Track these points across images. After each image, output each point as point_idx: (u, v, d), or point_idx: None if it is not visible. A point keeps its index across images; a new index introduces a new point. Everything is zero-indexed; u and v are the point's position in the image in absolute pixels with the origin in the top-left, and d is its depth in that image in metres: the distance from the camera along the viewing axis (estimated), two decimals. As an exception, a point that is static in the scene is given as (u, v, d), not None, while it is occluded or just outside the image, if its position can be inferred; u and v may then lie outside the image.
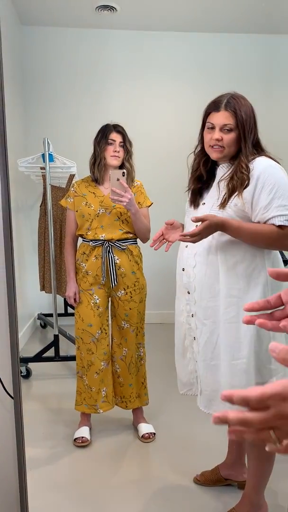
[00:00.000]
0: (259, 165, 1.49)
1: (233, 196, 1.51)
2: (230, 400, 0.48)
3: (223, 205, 1.52)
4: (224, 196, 1.53)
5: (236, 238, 1.51)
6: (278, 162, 1.55)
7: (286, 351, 0.49)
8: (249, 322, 0.65)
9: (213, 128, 1.56)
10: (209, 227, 1.46)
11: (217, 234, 1.53)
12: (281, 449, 0.49)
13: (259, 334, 1.52)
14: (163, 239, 1.71)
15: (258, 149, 1.58)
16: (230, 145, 1.55)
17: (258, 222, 1.50)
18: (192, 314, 1.62)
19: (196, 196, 1.68)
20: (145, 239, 2.29)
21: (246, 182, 1.49)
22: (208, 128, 1.58)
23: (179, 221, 1.77)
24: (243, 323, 0.68)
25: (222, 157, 1.58)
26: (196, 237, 1.48)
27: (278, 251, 1.62)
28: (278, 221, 1.46)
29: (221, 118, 1.53)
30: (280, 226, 1.47)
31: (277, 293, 0.68)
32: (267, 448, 0.50)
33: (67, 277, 2.31)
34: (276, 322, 0.66)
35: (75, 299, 2.27)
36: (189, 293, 1.62)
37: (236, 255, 1.53)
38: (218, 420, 0.49)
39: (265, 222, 1.48)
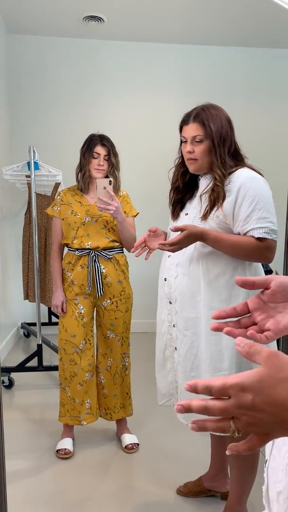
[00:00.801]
0: (240, 177, 1.50)
1: (215, 208, 1.52)
2: (194, 389, 0.50)
3: (205, 216, 1.54)
4: (206, 208, 1.54)
5: (216, 249, 1.52)
6: (261, 174, 1.56)
7: (250, 345, 0.51)
8: (217, 329, 0.67)
9: (186, 141, 1.59)
10: (189, 236, 1.47)
11: (199, 245, 1.54)
12: (240, 445, 0.51)
13: None
14: (145, 246, 1.71)
15: (239, 159, 1.58)
16: (202, 156, 1.56)
17: (239, 234, 1.52)
18: (174, 324, 1.63)
19: (176, 207, 1.69)
20: (130, 248, 2.28)
21: (222, 194, 1.50)
22: (183, 142, 1.61)
23: (163, 229, 1.77)
24: (211, 330, 0.69)
25: (198, 169, 1.59)
26: (175, 246, 1.49)
27: (259, 264, 1.63)
28: (257, 233, 1.48)
29: (191, 130, 1.56)
30: (259, 239, 1.48)
31: (243, 301, 0.71)
32: (229, 448, 0.52)
33: (54, 286, 2.29)
34: (243, 330, 0.68)
35: (62, 309, 2.25)
36: (170, 303, 1.63)
37: (217, 267, 1.54)
38: (181, 408, 0.51)
39: (245, 234, 1.50)
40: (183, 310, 1.58)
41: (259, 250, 1.50)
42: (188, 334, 1.58)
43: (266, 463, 0.68)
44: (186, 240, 1.48)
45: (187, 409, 0.50)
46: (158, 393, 1.76)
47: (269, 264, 3.52)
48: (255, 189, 1.48)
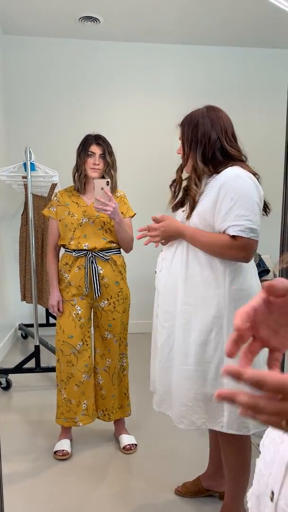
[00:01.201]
0: (226, 174, 1.51)
1: (196, 207, 1.55)
2: (238, 375, 0.41)
3: (188, 215, 1.58)
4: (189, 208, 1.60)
5: (194, 246, 1.56)
6: (255, 173, 1.56)
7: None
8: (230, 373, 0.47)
9: None
10: (166, 227, 1.59)
11: (184, 243, 1.59)
12: None
13: (206, 344, 1.55)
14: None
15: (235, 158, 1.57)
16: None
17: (219, 231, 1.53)
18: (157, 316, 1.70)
19: (179, 200, 1.73)
20: (128, 249, 2.29)
21: (193, 196, 1.55)
22: None
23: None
24: (224, 375, 0.46)
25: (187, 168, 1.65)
26: (155, 232, 1.60)
27: (247, 264, 1.59)
28: (232, 231, 1.47)
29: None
30: (234, 236, 1.48)
31: (243, 323, 0.53)
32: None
33: (50, 287, 2.28)
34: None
35: (58, 309, 2.24)
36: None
37: (196, 264, 1.56)
38: (221, 398, 0.43)
39: (224, 232, 1.50)
40: (163, 303, 1.64)
41: (232, 249, 1.49)
42: (166, 326, 1.63)
43: (273, 497, 0.58)
44: (163, 230, 1.59)
45: (229, 400, 0.42)
46: (150, 380, 1.81)
47: (266, 264, 3.52)
48: (236, 187, 1.47)
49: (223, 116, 1.59)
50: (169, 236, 1.61)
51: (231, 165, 1.53)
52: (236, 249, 1.49)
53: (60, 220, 2.22)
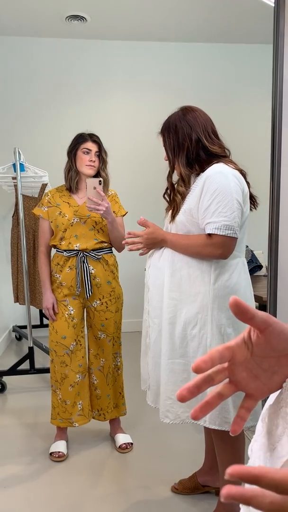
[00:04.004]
0: (210, 170, 1.51)
1: (182, 206, 1.57)
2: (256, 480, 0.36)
3: (174, 216, 1.60)
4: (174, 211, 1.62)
5: (176, 251, 1.58)
6: (241, 170, 1.56)
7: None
8: (183, 398, 0.50)
9: None
10: (150, 234, 1.61)
11: None
12: None
13: (190, 339, 1.57)
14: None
15: (218, 155, 1.57)
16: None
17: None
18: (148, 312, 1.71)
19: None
20: (120, 248, 2.28)
21: (179, 197, 1.57)
22: None
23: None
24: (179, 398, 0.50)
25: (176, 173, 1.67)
26: (139, 239, 1.62)
27: (234, 261, 1.60)
28: (208, 229, 1.49)
29: None
30: (210, 234, 1.50)
31: (225, 344, 0.53)
32: None
33: (43, 288, 2.26)
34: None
35: (54, 311, 2.21)
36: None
37: (181, 261, 1.57)
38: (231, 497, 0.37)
39: (204, 229, 1.52)
40: (152, 299, 1.66)
41: (209, 246, 1.50)
42: (157, 322, 1.65)
43: None
44: (146, 237, 1.61)
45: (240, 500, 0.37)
46: (142, 379, 1.83)
47: (258, 259, 3.51)
48: (218, 183, 1.47)
49: (200, 115, 1.59)
50: (152, 244, 1.63)
51: (216, 162, 1.53)
52: (212, 247, 1.50)
53: (52, 222, 2.20)
